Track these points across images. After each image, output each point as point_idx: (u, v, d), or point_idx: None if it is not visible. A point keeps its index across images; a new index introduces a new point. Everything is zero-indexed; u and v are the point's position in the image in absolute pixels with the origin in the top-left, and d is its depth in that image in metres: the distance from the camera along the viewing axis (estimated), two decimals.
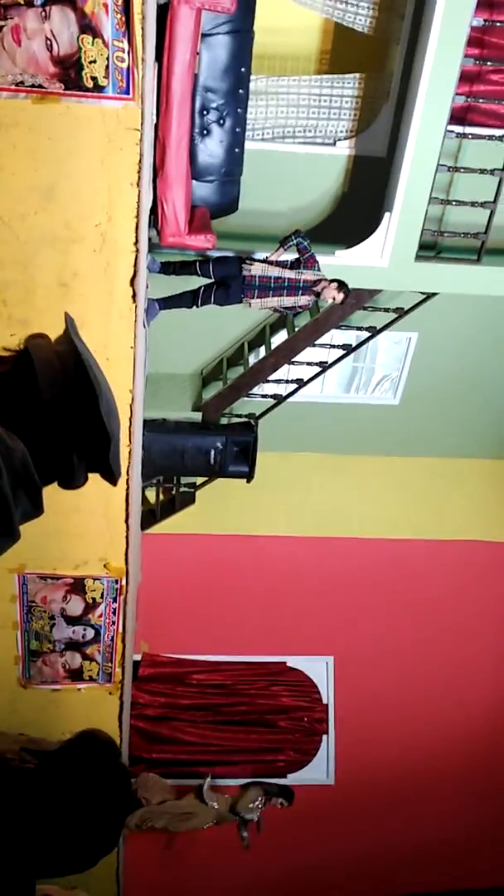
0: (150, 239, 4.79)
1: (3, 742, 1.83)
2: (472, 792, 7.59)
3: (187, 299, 5.66)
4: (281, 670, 7.57)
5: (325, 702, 7.62)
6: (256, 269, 5.46)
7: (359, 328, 6.67)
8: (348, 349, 6.83)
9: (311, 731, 7.54)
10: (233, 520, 7.67)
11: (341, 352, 6.84)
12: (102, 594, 5.38)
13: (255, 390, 6.92)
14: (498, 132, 5.67)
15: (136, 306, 4.49)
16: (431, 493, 8.09)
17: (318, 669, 7.67)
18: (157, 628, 7.34)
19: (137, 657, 7.15)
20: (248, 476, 6.81)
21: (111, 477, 1.72)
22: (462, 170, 5.80)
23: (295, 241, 5.41)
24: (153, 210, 4.83)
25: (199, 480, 7.41)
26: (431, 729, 7.64)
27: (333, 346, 6.79)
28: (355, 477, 8.00)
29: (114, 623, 5.50)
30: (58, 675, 5.65)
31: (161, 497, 7.56)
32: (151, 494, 7.53)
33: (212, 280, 5.58)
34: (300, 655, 7.66)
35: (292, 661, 7.64)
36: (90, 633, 5.53)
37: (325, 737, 7.58)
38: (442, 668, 7.77)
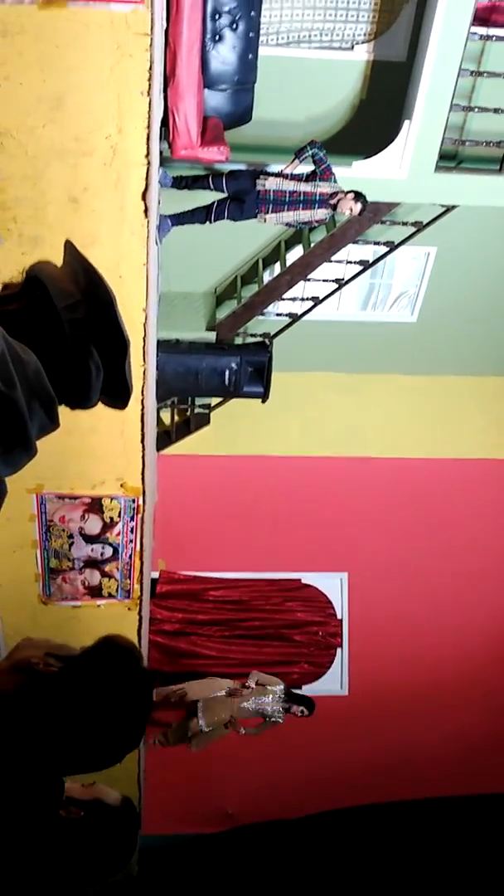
0: (161, 152, 4.65)
1: (29, 648, 1.88)
2: (481, 699, 7.80)
3: (200, 215, 5.54)
4: (296, 587, 7.71)
5: (339, 617, 7.77)
6: (271, 183, 5.31)
7: (376, 243, 6.52)
8: (365, 265, 6.69)
9: (326, 645, 7.72)
10: (248, 440, 7.68)
11: (358, 268, 6.71)
12: (120, 513, 5.44)
13: (270, 309, 6.83)
14: None
15: (148, 222, 4.39)
16: (448, 412, 8.04)
17: (333, 585, 7.79)
18: (174, 547, 7.45)
19: (155, 575, 7.28)
20: (264, 396, 6.77)
21: (125, 393, 1.76)
22: (486, 74, 5.56)
23: (311, 153, 5.25)
24: (164, 121, 4.68)
25: (214, 401, 7.39)
26: (442, 641, 7.80)
27: (350, 262, 6.66)
28: (371, 396, 7.95)
29: (131, 541, 5.58)
30: (77, 592, 5.77)
31: (176, 418, 7.57)
32: (166, 415, 7.53)
33: (225, 195, 5.45)
34: (315, 572, 7.77)
35: (307, 578, 7.76)
36: (108, 552, 5.62)
37: (339, 650, 7.76)
38: (454, 583, 7.88)
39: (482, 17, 5.42)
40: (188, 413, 7.57)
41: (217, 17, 4.81)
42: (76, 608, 5.84)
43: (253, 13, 4.87)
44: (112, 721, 1.71)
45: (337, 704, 7.59)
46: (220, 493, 7.64)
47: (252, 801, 7.56)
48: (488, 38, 5.46)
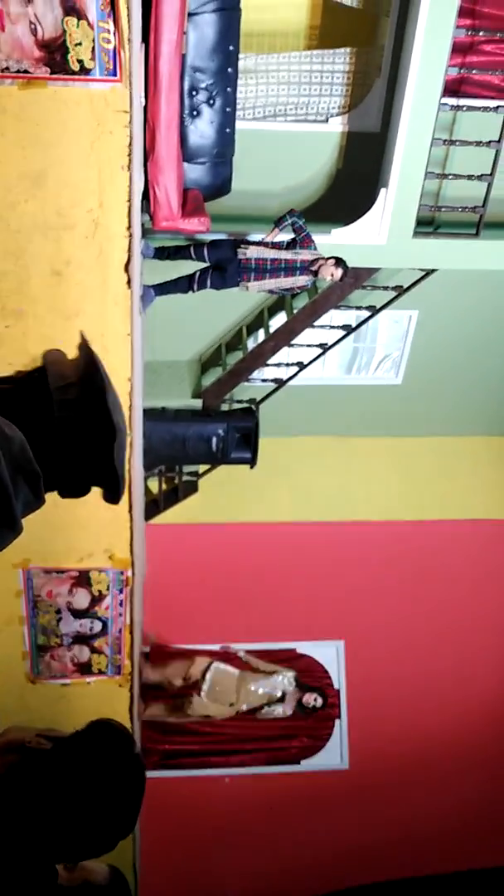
0: (142, 224, 4.71)
1: (18, 731, 1.83)
2: (488, 770, 7.58)
3: (183, 284, 5.58)
4: (291, 657, 7.53)
5: (336, 686, 7.59)
6: (252, 252, 5.37)
7: (358, 308, 6.59)
8: (348, 329, 6.75)
9: (324, 717, 7.51)
10: (237, 507, 7.61)
11: (341, 332, 6.76)
12: (108, 586, 5.34)
13: (255, 375, 6.85)
14: (493, 103, 5.57)
15: (131, 293, 4.42)
16: (436, 473, 8.03)
17: (329, 654, 7.63)
18: (165, 619, 7.29)
19: (146, 649, 7.12)
20: (251, 462, 6.75)
21: (114, 483, 1.77)
22: (458, 143, 5.71)
23: (290, 221, 5.32)
24: (145, 194, 4.75)
25: (202, 468, 7.35)
26: (444, 708, 7.62)
27: (333, 327, 6.71)
28: (359, 459, 7.93)
29: (121, 615, 5.46)
30: (66, 670, 5.62)
31: (164, 486, 7.51)
32: (154, 484, 7.47)
33: (207, 264, 5.50)
34: (310, 641, 7.62)
35: (302, 647, 7.60)
36: (97, 626, 5.49)
37: (337, 721, 7.55)
38: (452, 647, 7.75)
39: (452, 89, 5.59)
40: (176, 481, 7.51)
41: (194, 93, 4.93)
42: (65, 686, 5.67)
43: (229, 89, 4.99)
44: (104, 806, 1.66)
45: (338, 779, 7.36)
46: (211, 561, 7.53)
47: (252, 884, 7.25)
48: (459, 108, 5.62)
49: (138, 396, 4.83)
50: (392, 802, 7.40)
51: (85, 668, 5.62)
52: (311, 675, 7.51)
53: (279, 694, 6.15)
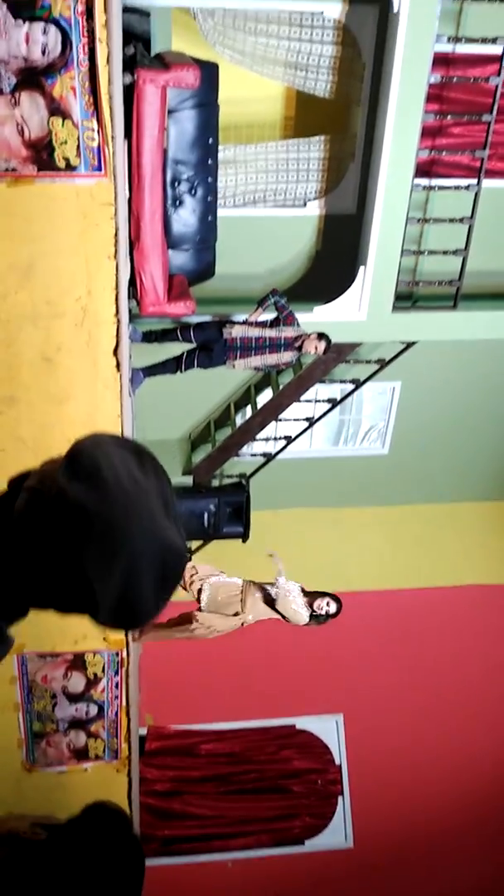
0: (130, 309, 4.84)
1: (12, 821, 1.79)
2: (497, 843, 7.39)
3: (171, 366, 5.70)
4: (290, 733, 7.42)
5: (337, 762, 7.45)
6: (237, 331, 5.51)
7: (342, 381, 6.72)
8: (334, 402, 6.87)
9: (326, 794, 7.35)
10: None
11: (327, 405, 6.88)
12: (103, 668, 5.28)
13: (244, 450, 6.93)
14: (463, 182, 5.81)
15: (120, 376, 4.51)
16: (428, 540, 8.06)
17: (328, 729, 7.51)
18: (162, 700, 7.19)
19: (143, 731, 7.00)
20: (244, 536, 6.77)
21: (90, 600, 1.18)
22: (432, 220, 5.92)
23: (273, 300, 5.48)
24: (132, 281, 4.89)
25: (195, 544, 7.36)
26: (447, 778, 7.46)
27: (319, 401, 6.83)
28: (351, 529, 7.96)
29: (117, 697, 5.39)
30: (63, 757, 5.51)
31: None
32: None
33: (194, 345, 5.63)
34: (309, 716, 7.51)
35: (301, 723, 7.49)
36: (94, 710, 5.41)
37: (340, 798, 7.39)
38: (452, 715, 7.63)
39: (424, 170, 5.84)
40: None
41: (176, 184, 5.13)
42: (62, 774, 5.55)
43: (210, 179, 5.20)
44: (102, 893, 1.61)
45: (343, 859, 7.15)
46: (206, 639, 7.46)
47: None
48: (431, 188, 5.86)
49: None
50: (398, 880, 7.18)
51: (81, 754, 5.52)
52: (311, 751, 7.39)
53: (291, 597, 5.46)
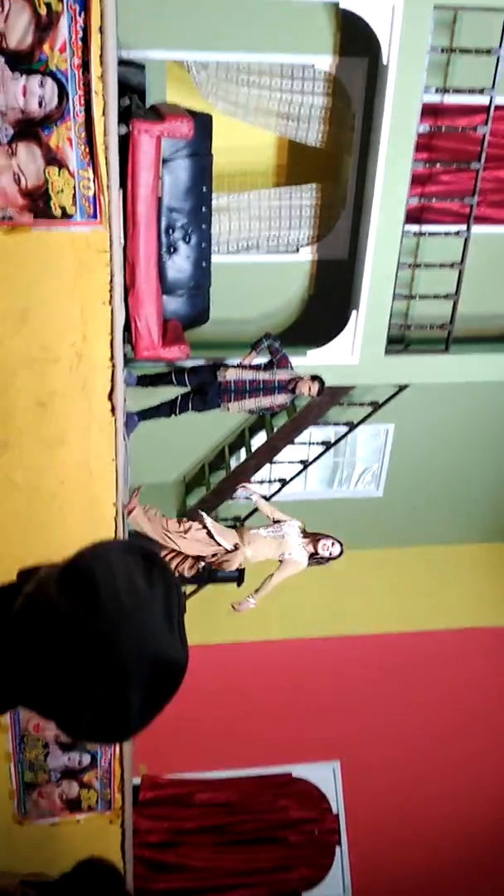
0: (125, 354, 4.87)
1: (2, 878, 1.73)
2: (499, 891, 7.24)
3: (165, 409, 5.71)
4: (286, 781, 7.29)
5: (334, 811, 7.31)
6: (231, 374, 5.54)
7: (336, 423, 6.74)
8: (328, 445, 6.88)
9: (324, 844, 7.20)
10: (226, 627, 7.50)
11: (321, 448, 6.89)
12: None
13: (239, 493, 6.90)
14: (453, 228, 5.90)
15: (115, 420, 4.52)
16: (424, 583, 8.02)
17: (325, 776, 7.39)
18: (155, 748, 7.06)
19: (137, 781, 6.87)
20: (239, 580, 6.70)
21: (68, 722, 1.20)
22: (423, 265, 6.00)
23: (266, 344, 5.52)
24: (127, 326, 4.93)
25: (189, 589, 7.29)
26: (446, 825, 7.32)
27: (313, 444, 6.84)
28: (346, 572, 7.89)
29: (110, 746, 5.30)
30: (55, 808, 5.39)
31: None
32: None
33: (188, 388, 5.65)
34: (305, 763, 7.39)
35: (297, 771, 7.36)
36: (86, 759, 5.31)
37: (338, 848, 7.23)
38: (451, 760, 7.52)
39: (415, 216, 5.93)
40: None
41: (171, 231, 5.20)
42: (54, 825, 5.43)
43: (204, 226, 5.27)
44: None
45: None
46: (200, 685, 7.34)
47: None
48: (422, 234, 5.95)
49: (123, 520, 4.86)
50: None
51: (74, 805, 5.40)
52: (308, 800, 7.25)
53: (286, 538, 5.22)
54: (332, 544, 5.18)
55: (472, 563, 8.20)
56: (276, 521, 5.38)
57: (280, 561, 5.26)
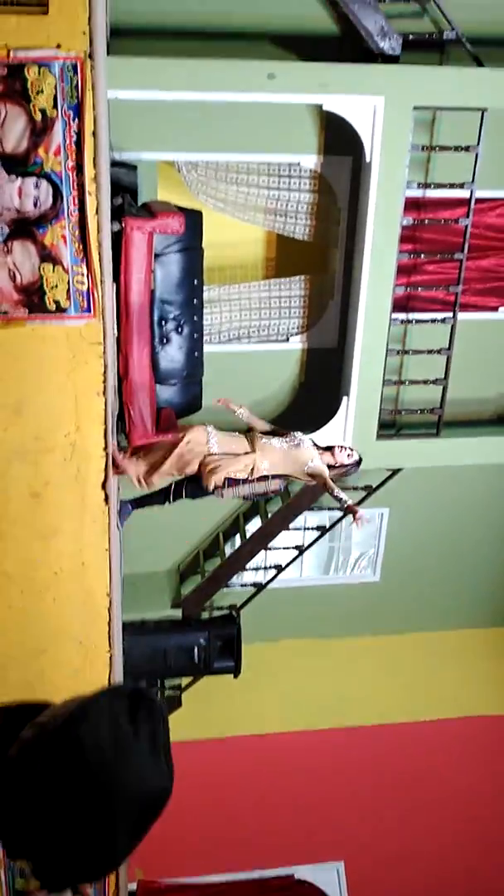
0: (118, 442, 4.90)
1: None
2: None
3: (159, 497, 5.68)
4: (289, 884, 6.96)
5: None
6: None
7: (330, 508, 6.73)
8: (323, 530, 6.85)
9: None
10: (223, 720, 7.32)
11: (316, 533, 6.86)
12: None
13: (234, 580, 6.85)
14: (440, 315, 6.04)
15: (108, 509, 4.51)
16: (425, 670, 7.86)
17: (329, 878, 7.07)
18: (152, 851, 6.77)
19: (133, 886, 6.57)
20: (235, 671, 6.59)
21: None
22: (411, 352, 6.11)
23: None
24: (121, 415, 4.97)
25: (185, 681, 7.14)
26: None
27: (308, 529, 6.82)
28: (345, 661, 7.77)
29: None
30: None
31: None
32: None
33: (181, 476, 5.65)
34: (308, 864, 7.08)
35: (300, 872, 7.04)
36: None
37: None
38: (461, 857, 7.21)
39: (401, 305, 6.07)
40: (159, 697, 7.26)
41: (164, 322, 5.30)
42: None
43: (196, 317, 5.38)
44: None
45: None
46: (198, 782, 7.12)
47: None
48: (409, 321, 6.08)
49: (117, 610, 4.80)
50: None
51: None
52: None
53: (301, 446, 4.76)
54: (350, 453, 4.78)
55: (473, 648, 8.06)
56: (276, 434, 4.92)
57: (309, 475, 4.76)
